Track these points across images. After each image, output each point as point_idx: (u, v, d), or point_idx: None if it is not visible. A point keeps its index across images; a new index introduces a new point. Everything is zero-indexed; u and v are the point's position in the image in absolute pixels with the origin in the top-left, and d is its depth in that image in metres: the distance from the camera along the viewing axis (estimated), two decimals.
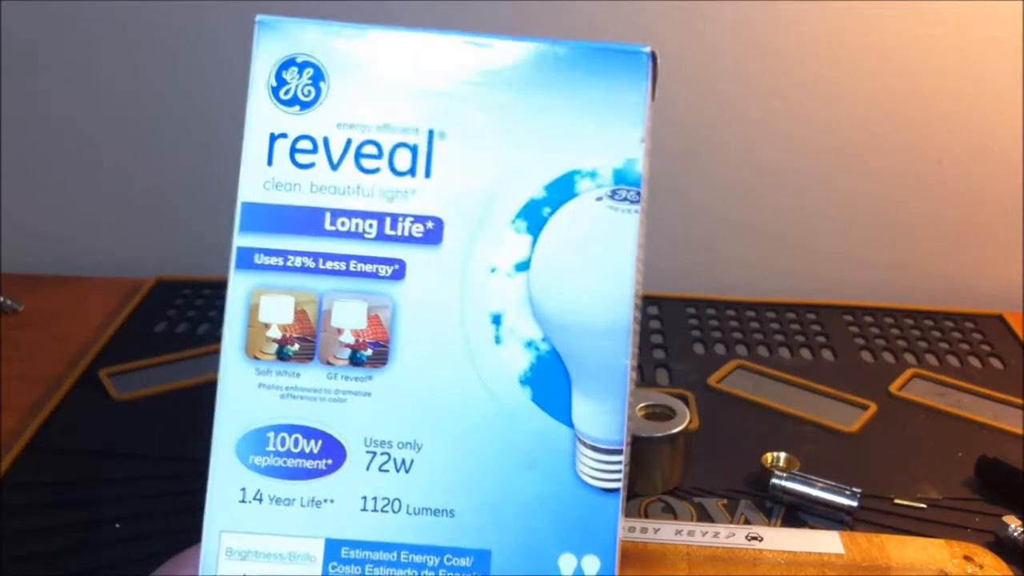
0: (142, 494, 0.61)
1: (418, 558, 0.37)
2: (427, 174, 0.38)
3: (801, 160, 0.91)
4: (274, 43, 0.39)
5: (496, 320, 0.38)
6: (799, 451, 0.67)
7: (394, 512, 0.37)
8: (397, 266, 0.38)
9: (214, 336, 0.81)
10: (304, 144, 0.38)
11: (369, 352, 0.37)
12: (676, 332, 0.84)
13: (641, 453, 0.62)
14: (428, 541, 0.37)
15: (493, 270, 0.38)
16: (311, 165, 0.38)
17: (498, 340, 0.37)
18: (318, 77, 0.38)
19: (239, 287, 0.38)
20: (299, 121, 0.38)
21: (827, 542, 0.54)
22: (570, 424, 0.37)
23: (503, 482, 0.37)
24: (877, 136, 0.89)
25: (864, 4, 0.85)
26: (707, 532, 0.55)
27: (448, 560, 0.37)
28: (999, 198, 0.91)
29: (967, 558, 0.54)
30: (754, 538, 0.54)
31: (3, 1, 0.87)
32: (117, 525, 0.58)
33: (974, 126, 0.88)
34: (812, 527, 0.60)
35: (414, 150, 0.38)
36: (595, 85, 0.38)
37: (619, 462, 0.37)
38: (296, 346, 0.37)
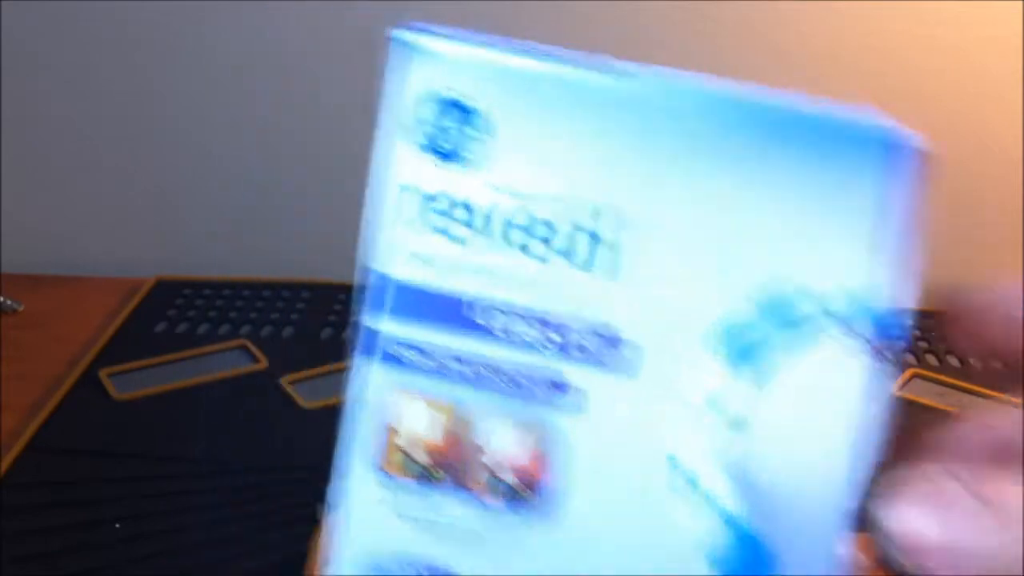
0: (142, 494, 0.61)
1: None
2: (616, 272, 0.27)
3: None
4: (425, 73, 0.29)
5: (691, 478, 0.27)
6: None
7: None
8: (568, 389, 0.28)
9: (214, 336, 0.81)
10: (460, 213, 0.28)
11: (523, 490, 0.28)
12: None
13: None
14: None
15: (685, 406, 0.27)
16: (463, 239, 0.28)
17: (687, 498, 0.27)
18: (483, 125, 0.28)
19: (376, 384, 0.28)
20: (455, 181, 0.28)
21: None
22: None
23: None
24: None
25: (864, 4, 0.85)
26: None
27: None
28: (999, 197, 0.91)
29: None
30: None
31: (3, 1, 0.87)
32: (117, 525, 0.58)
33: (974, 126, 0.88)
34: None
35: (596, 236, 0.27)
36: (842, 177, 0.27)
37: None
38: (438, 472, 0.28)
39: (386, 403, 0.28)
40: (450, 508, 0.28)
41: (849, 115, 0.28)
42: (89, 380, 0.74)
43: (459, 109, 0.28)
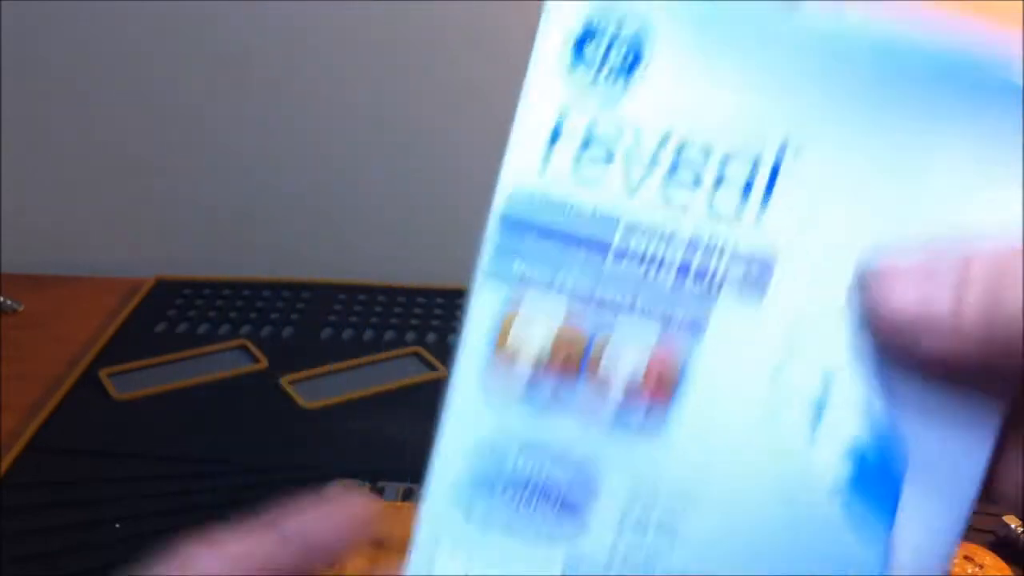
0: (142, 494, 0.61)
1: None
2: (764, 201, 0.27)
3: None
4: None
5: (819, 405, 0.28)
6: None
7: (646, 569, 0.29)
8: (700, 314, 0.28)
9: (214, 336, 0.81)
10: (604, 132, 0.28)
11: (648, 403, 0.28)
12: None
13: None
14: None
15: (822, 347, 0.27)
16: (608, 162, 0.28)
17: (815, 430, 0.27)
18: (638, 43, 0.27)
19: (490, 299, 0.29)
20: (603, 102, 0.28)
21: None
22: (887, 532, 0.27)
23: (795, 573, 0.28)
24: None
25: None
26: None
27: None
28: None
29: (967, 558, 0.53)
30: None
31: (3, 1, 0.86)
32: (117, 525, 0.58)
33: None
34: None
35: (755, 165, 0.27)
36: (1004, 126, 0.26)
37: None
38: (552, 389, 0.28)
39: (502, 320, 0.28)
40: (559, 427, 0.28)
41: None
42: (89, 380, 0.74)
43: (616, 26, 0.28)
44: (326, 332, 0.82)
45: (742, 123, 0.27)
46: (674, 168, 0.27)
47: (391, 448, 0.67)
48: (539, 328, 0.28)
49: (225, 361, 0.77)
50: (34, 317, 0.84)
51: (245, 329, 0.82)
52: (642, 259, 0.28)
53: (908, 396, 0.26)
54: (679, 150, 0.27)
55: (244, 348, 0.79)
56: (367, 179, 0.92)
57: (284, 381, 0.74)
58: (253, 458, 0.65)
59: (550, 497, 0.28)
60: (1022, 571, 0.56)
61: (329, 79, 0.89)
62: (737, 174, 0.27)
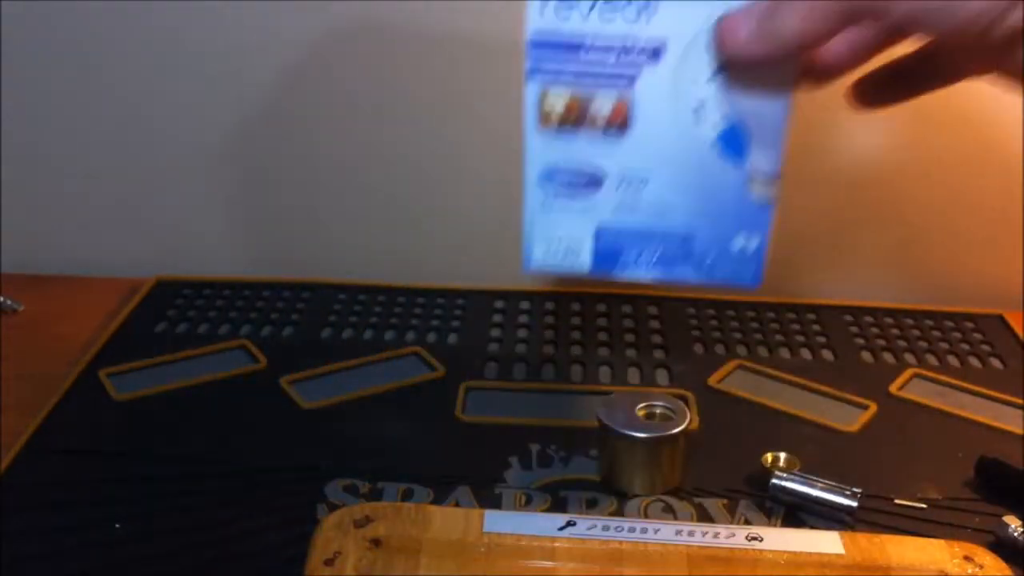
0: (142, 494, 0.61)
1: (647, 237, 0.61)
2: (652, 16, 0.56)
3: (800, 159, 0.90)
4: None
5: (698, 108, 0.57)
6: (799, 451, 0.66)
7: (633, 213, 0.60)
8: (631, 76, 0.57)
9: (214, 336, 0.81)
10: (565, 2, 0.56)
11: (615, 127, 0.58)
12: (676, 332, 0.84)
13: (641, 453, 0.62)
14: (655, 228, 0.61)
15: (695, 80, 0.56)
16: (571, 13, 0.56)
17: (698, 120, 0.58)
18: None
19: (532, 89, 0.57)
20: None
21: (827, 542, 0.55)
22: (745, 164, 0.59)
23: (702, 197, 0.59)
24: (876, 135, 0.89)
25: None
26: (707, 532, 0.55)
27: (667, 239, 0.61)
28: (999, 197, 0.91)
29: (967, 558, 0.54)
30: (754, 538, 0.55)
31: (3, 1, 0.86)
32: (117, 525, 0.58)
33: (974, 125, 0.88)
34: (812, 527, 0.60)
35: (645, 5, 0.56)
36: None
37: (776, 186, 0.59)
38: (570, 123, 0.58)
39: (539, 95, 0.57)
40: (579, 140, 0.58)
41: None
42: (89, 380, 0.74)
43: None
44: (326, 332, 0.83)
45: None
46: (607, 15, 0.55)
47: (391, 448, 0.67)
48: (558, 97, 0.57)
49: (225, 361, 0.77)
50: (34, 317, 0.84)
51: (245, 329, 0.82)
52: (600, 51, 0.56)
53: (741, 87, 0.56)
54: (605, 6, 0.55)
55: (244, 348, 0.79)
56: (367, 179, 0.92)
57: (284, 381, 0.74)
58: (253, 458, 0.65)
59: (583, 177, 0.59)
60: (1021, 572, 0.56)
61: (328, 77, 0.89)
62: (632, 7, 0.55)
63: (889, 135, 0.89)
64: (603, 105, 0.59)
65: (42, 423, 0.68)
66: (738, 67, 0.54)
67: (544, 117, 0.59)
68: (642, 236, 0.62)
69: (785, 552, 0.54)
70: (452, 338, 0.81)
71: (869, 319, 0.87)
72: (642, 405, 0.64)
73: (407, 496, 0.62)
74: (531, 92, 0.59)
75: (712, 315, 0.87)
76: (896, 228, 0.92)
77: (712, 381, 0.76)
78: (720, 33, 0.52)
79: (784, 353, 0.81)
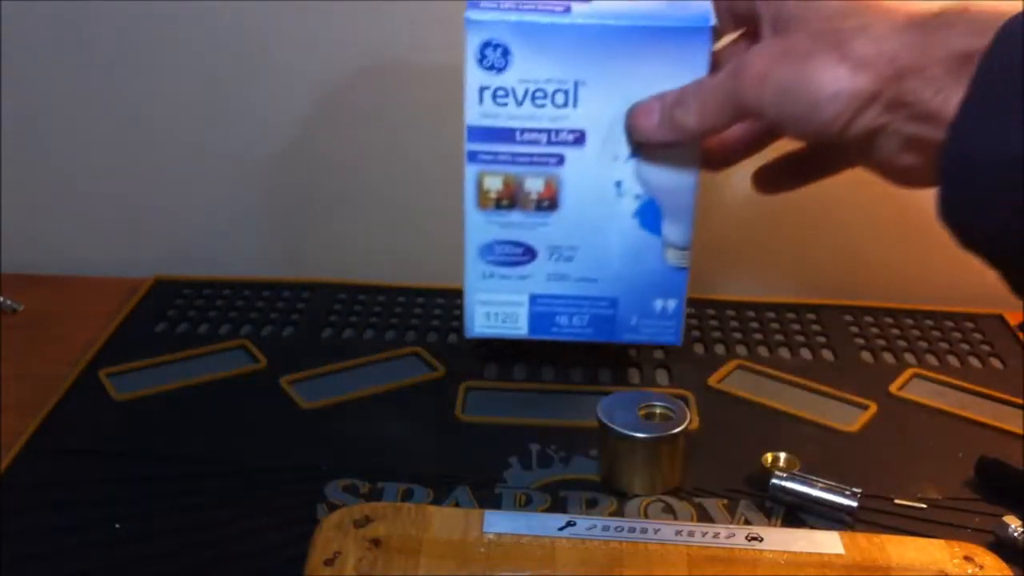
0: (141, 494, 0.61)
1: (578, 302, 0.69)
2: (575, 106, 0.64)
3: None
4: (479, 32, 0.62)
5: (618, 185, 0.66)
6: (799, 451, 0.67)
7: (565, 281, 0.69)
8: (559, 157, 0.65)
9: (214, 336, 0.81)
10: (500, 92, 0.64)
11: (546, 203, 0.66)
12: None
13: (641, 453, 0.62)
14: (584, 293, 0.69)
15: (615, 158, 0.65)
16: (506, 104, 0.64)
17: (619, 195, 0.66)
18: (507, 52, 0.63)
19: (471, 172, 0.65)
20: (502, 79, 0.63)
21: (827, 542, 0.55)
22: (661, 236, 0.67)
23: (624, 265, 0.68)
24: None
25: None
26: (707, 532, 0.55)
27: (595, 303, 0.69)
28: None
29: (967, 558, 0.54)
30: (754, 538, 0.55)
31: (3, 1, 0.87)
32: (117, 525, 0.58)
33: None
34: (812, 527, 0.60)
35: (567, 92, 0.63)
36: (676, 48, 0.62)
37: (687, 255, 0.68)
38: (505, 201, 0.66)
39: (477, 179, 0.65)
40: (514, 216, 0.66)
41: (679, 25, 0.62)
42: (89, 380, 0.74)
43: (496, 46, 0.63)
44: (326, 332, 0.82)
45: (557, 74, 0.63)
46: (534, 96, 0.64)
47: (391, 448, 0.67)
48: (494, 177, 0.65)
49: (225, 361, 0.77)
50: (34, 317, 0.84)
51: (245, 329, 0.82)
52: (531, 136, 0.64)
53: (653, 167, 0.65)
54: (535, 89, 0.63)
55: (244, 348, 0.79)
56: (368, 178, 0.92)
57: (284, 381, 0.74)
58: (252, 458, 0.65)
59: (518, 250, 0.68)
60: (1021, 572, 0.56)
61: (329, 77, 0.89)
62: (560, 95, 0.63)
63: None
64: (535, 184, 0.66)
65: (42, 423, 0.68)
66: (649, 148, 0.63)
67: (483, 196, 0.67)
68: (573, 302, 0.70)
69: (785, 552, 0.54)
70: (452, 338, 0.81)
71: (869, 319, 0.87)
72: (642, 405, 0.64)
73: (407, 496, 0.62)
74: (470, 174, 0.66)
75: (712, 315, 0.87)
76: (895, 227, 0.92)
77: (712, 381, 0.76)
78: (632, 119, 0.62)
79: (784, 353, 0.81)
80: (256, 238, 0.95)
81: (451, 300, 0.88)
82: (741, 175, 0.91)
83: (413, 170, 0.91)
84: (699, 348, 0.82)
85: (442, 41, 0.86)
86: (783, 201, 0.92)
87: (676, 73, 0.63)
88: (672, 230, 0.68)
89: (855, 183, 0.90)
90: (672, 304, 0.70)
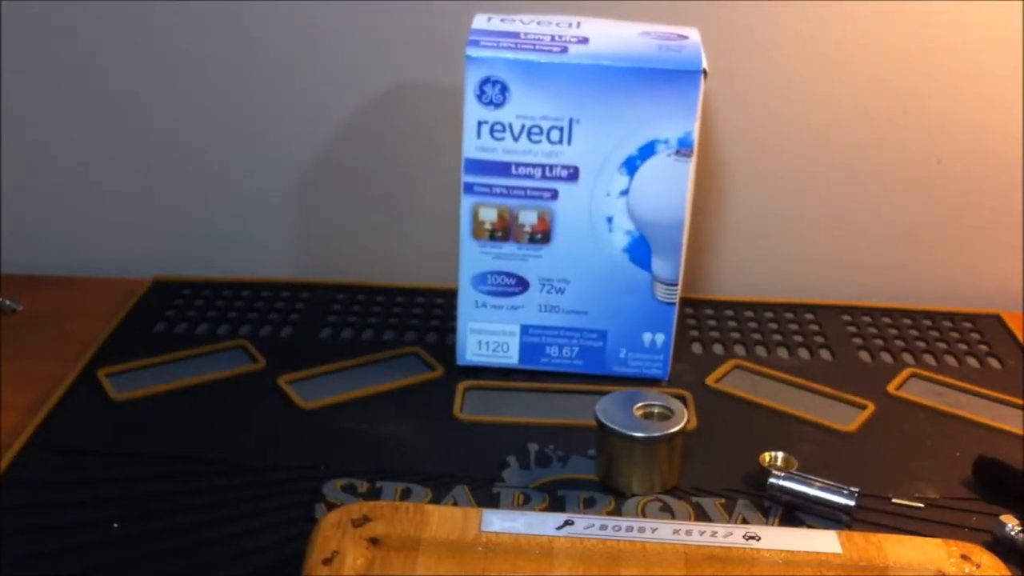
0: (140, 494, 0.62)
1: (568, 334, 0.74)
2: (569, 143, 0.68)
3: (798, 161, 0.91)
4: (478, 69, 0.67)
5: (609, 220, 0.70)
6: (797, 451, 0.67)
7: (556, 312, 0.73)
8: (553, 192, 0.69)
9: (213, 336, 0.81)
10: (498, 127, 0.68)
11: (539, 236, 0.70)
12: (675, 332, 0.84)
13: (639, 453, 0.62)
14: (574, 325, 0.73)
15: (607, 194, 0.69)
16: (502, 138, 0.68)
17: (610, 231, 0.70)
18: (505, 89, 0.67)
19: (467, 203, 0.69)
20: (494, 114, 0.67)
21: (824, 542, 0.55)
22: (650, 272, 0.71)
23: (614, 299, 0.72)
24: (875, 136, 0.89)
25: (864, 4, 0.85)
26: (705, 531, 0.55)
27: (585, 335, 0.74)
28: (997, 198, 0.91)
29: (964, 557, 0.54)
30: (752, 537, 0.55)
31: (4, 1, 0.87)
32: (116, 525, 0.59)
33: (972, 126, 0.89)
34: (810, 527, 0.60)
35: (562, 129, 0.67)
36: (668, 89, 0.67)
37: (675, 290, 0.72)
38: (500, 233, 0.70)
39: (473, 210, 0.70)
40: (507, 248, 0.70)
41: (673, 67, 0.67)
42: (88, 380, 0.74)
43: (495, 83, 0.67)
44: (325, 332, 0.83)
45: (553, 111, 0.67)
46: (530, 132, 0.68)
47: (389, 448, 0.67)
48: (489, 209, 0.69)
49: (223, 361, 0.77)
50: (34, 317, 0.84)
51: (244, 329, 0.82)
52: (526, 170, 0.68)
53: (642, 204, 0.69)
54: (531, 125, 0.68)
55: (243, 348, 0.79)
56: (367, 179, 0.92)
57: (282, 381, 0.74)
58: (251, 458, 0.65)
59: (511, 280, 0.72)
60: (1019, 571, 0.56)
61: (327, 77, 0.89)
62: (555, 132, 0.68)
63: (886, 136, 0.89)
64: (529, 217, 0.70)
65: (41, 423, 0.68)
66: (639, 186, 0.70)
67: (477, 227, 0.70)
68: (564, 333, 0.74)
69: (782, 551, 0.54)
70: (451, 338, 0.81)
71: (867, 319, 0.87)
72: (640, 405, 0.64)
73: (405, 495, 0.62)
74: (466, 205, 0.69)
75: (710, 315, 0.87)
76: (893, 228, 0.93)
77: (710, 381, 0.76)
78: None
79: (782, 353, 0.81)
80: (255, 239, 0.95)
81: (450, 300, 0.88)
82: (741, 174, 0.91)
83: (413, 170, 0.92)
84: (697, 348, 0.82)
85: (443, 62, 0.86)
86: (780, 201, 0.92)
87: (668, 114, 0.67)
88: (661, 266, 0.71)
89: (854, 182, 0.91)
90: (660, 338, 0.74)
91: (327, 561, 0.52)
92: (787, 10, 0.85)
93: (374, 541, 0.54)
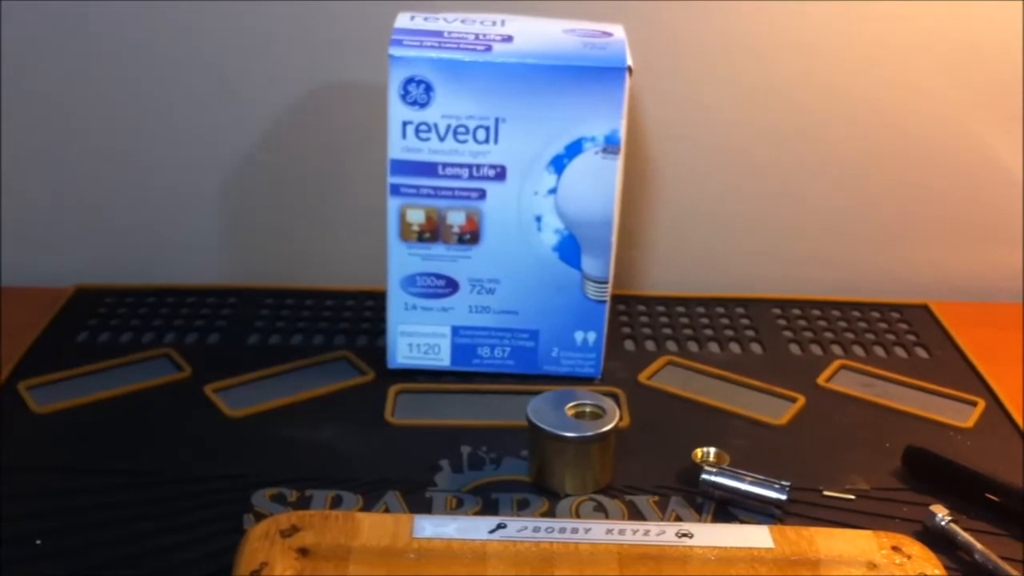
0: (64, 508, 0.60)
1: (499, 334, 0.73)
2: (496, 142, 0.67)
3: (726, 156, 0.91)
4: (402, 69, 0.66)
5: (538, 219, 0.70)
6: (729, 445, 0.67)
7: (486, 313, 0.72)
8: (481, 192, 0.69)
9: (138, 345, 0.79)
10: (423, 127, 0.67)
11: (468, 236, 0.69)
12: (607, 329, 0.84)
13: (571, 452, 0.62)
14: (506, 326, 0.73)
15: (535, 193, 0.69)
16: (428, 138, 0.67)
17: (540, 230, 0.70)
18: (429, 88, 0.66)
19: (394, 205, 0.69)
20: (419, 114, 0.67)
21: (757, 536, 0.55)
22: (580, 270, 0.71)
23: (545, 298, 0.72)
24: (801, 130, 0.90)
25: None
26: (638, 531, 0.55)
27: (516, 336, 0.73)
28: (924, 189, 0.92)
29: (895, 549, 0.54)
30: (684, 535, 0.55)
31: None
32: (38, 541, 0.57)
33: (898, 118, 0.89)
34: (743, 522, 0.60)
35: (488, 128, 0.67)
36: (594, 87, 0.66)
37: (606, 288, 0.72)
38: (428, 234, 0.69)
39: (400, 212, 0.69)
40: (436, 249, 0.70)
41: (598, 64, 0.66)
42: (7, 393, 0.72)
43: (419, 82, 0.66)
44: (253, 338, 0.81)
45: (478, 111, 0.67)
46: (456, 132, 0.67)
47: (319, 455, 0.66)
48: (417, 210, 0.69)
49: (149, 370, 0.75)
50: None
51: (169, 337, 0.81)
52: (453, 170, 0.68)
53: (571, 203, 0.69)
54: (456, 125, 0.67)
55: (168, 357, 0.77)
56: (293, 181, 0.91)
57: (209, 390, 0.73)
58: (178, 469, 0.64)
59: (440, 282, 0.71)
60: (949, 560, 0.57)
61: (252, 77, 0.87)
62: (482, 131, 0.67)
63: (811, 130, 0.90)
64: (457, 217, 0.69)
65: None
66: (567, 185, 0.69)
67: (405, 229, 0.69)
68: (495, 334, 0.73)
69: (715, 548, 0.54)
70: (381, 341, 0.80)
71: (796, 311, 0.88)
72: (572, 404, 0.64)
73: (336, 503, 0.61)
74: (393, 207, 0.69)
75: (642, 311, 0.87)
76: (821, 221, 0.93)
77: (643, 378, 0.76)
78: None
79: (714, 347, 0.82)
80: (180, 244, 0.93)
81: (380, 302, 0.87)
82: (670, 170, 0.91)
83: (340, 172, 0.91)
84: (629, 344, 0.82)
85: (368, 61, 0.85)
86: (710, 197, 0.93)
87: (594, 112, 0.67)
88: (591, 264, 0.71)
89: (783, 176, 0.91)
90: (592, 337, 0.74)
91: (255, 573, 0.51)
92: (712, 7, 0.85)
93: (303, 551, 0.53)
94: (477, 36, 0.68)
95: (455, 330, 0.73)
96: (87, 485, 0.62)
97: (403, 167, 0.68)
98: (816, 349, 0.82)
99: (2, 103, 0.88)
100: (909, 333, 0.85)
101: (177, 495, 0.62)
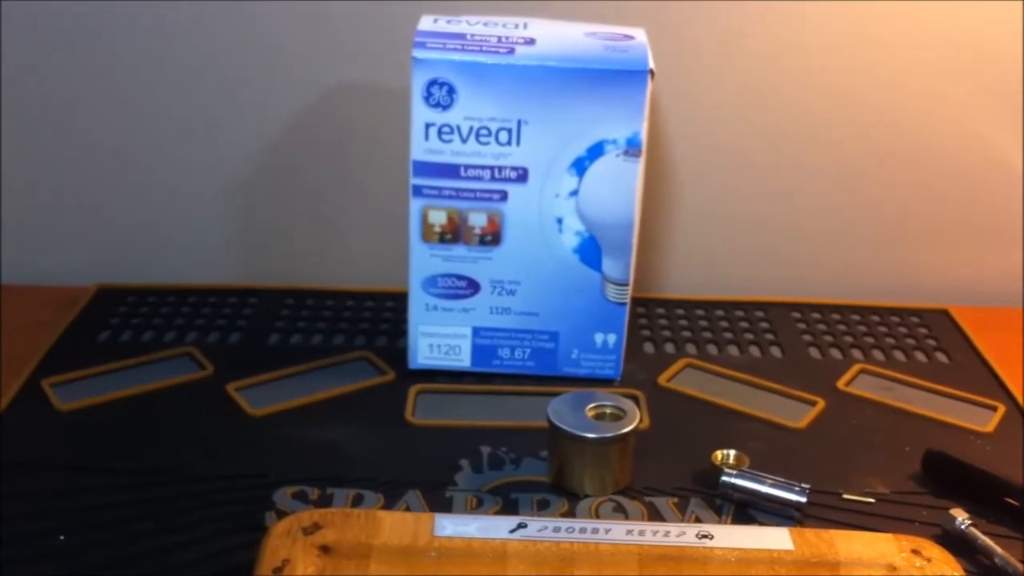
0: (86, 506, 0.60)
1: (520, 335, 0.74)
2: (518, 144, 0.68)
3: (746, 159, 0.91)
4: (425, 71, 0.66)
5: (559, 221, 0.70)
6: (748, 448, 0.67)
7: (507, 314, 0.73)
8: (502, 194, 0.69)
9: (160, 344, 0.80)
10: (446, 129, 0.67)
11: (489, 237, 0.70)
12: (626, 332, 0.84)
13: (591, 453, 0.62)
14: (526, 327, 0.73)
15: (557, 195, 0.69)
16: (450, 140, 0.67)
17: (560, 231, 0.70)
18: (452, 90, 0.66)
19: (416, 206, 0.69)
20: (442, 116, 0.67)
21: (776, 538, 0.55)
22: (600, 272, 0.71)
23: (565, 300, 0.72)
24: (822, 134, 0.90)
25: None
26: (657, 531, 0.55)
27: (536, 337, 0.74)
28: (941, 194, 0.92)
29: (915, 551, 0.54)
30: (704, 536, 0.55)
31: None
32: (61, 537, 0.58)
33: (915, 123, 0.89)
34: (762, 524, 0.60)
35: (510, 131, 0.67)
36: (615, 90, 0.67)
37: (626, 290, 0.72)
38: (449, 235, 0.70)
39: (422, 213, 0.69)
40: (457, 250, 0.71)
41: (620, 67, 0.67)
42: (31, 391, 0.72)
43: (442, 84, 0.66)
44: (273, 338, 0.82)
45: (501, 113, 0.67)
46: (478, 134, 0.68)
47: (340, 454, 0.66)
48: (439, 212, 0.69)
49: (170, 369, 0.76)
50: None
51: (191, 336, 0.81)
52: (475, 172, 0.68)
53: (592, 205, 0.69)
54: (479, 127, 0.68)
55: (190, 356, 0.78)
56: (315, 182, 0.91)
57: (231, 388, 0.73)
58: (200, 467, 0.64)
59: (461, 283, 0.72)
60: (968, 564, 0.57)
61: (276, 79, 0.88)
62: (504, 133, 0.67)
63: (829, 135, 0.90)
64: (478, 219, 0.69)
65: None
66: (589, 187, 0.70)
67: (427, 230, 0.70)
68: (515, 335, 0.73)
69: (735, 549, 0.54)
70: (402, 342, 0.81)
71: (816, 315, 0.88)
72: (592, 405, 0.64)
73: (357, 501, 0.61)
74: (415, 208, 0.69)
75: (661, 314, 0.87)
76: (841, 225, 0.93)
77: (662, 380, 0.76)
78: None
79: (733, 351, 0.82)
80: (201, 245, 0.94)
81: (400, 303, 0.87)
82: (690, 173, 0.91)
83: (361, 174, 0.91)
84: (649, 347, 0.82)
85: (389, 63, 0.86)
86: (730, 200, 0.93)
87: (616, 114, 0.67)
88: (611, 266, 0.71)
89: (801, 181, 0.91)
90: (612, 339, 0.74)
91: (277, 570, 0.51)
92: (733, 9, 0.86)
93: (325, 549, 0.53)
94: (500, 39, 0.68)
95: (476, 331, 0.74)
96: (110, 483, 0.63)
97: (425, 169, 0.69)
98: (835, 353, 0.82)
99: (27, 106, 0.88)
100: (929, 338, 0.85)
101: (200, 492, 0.62)
